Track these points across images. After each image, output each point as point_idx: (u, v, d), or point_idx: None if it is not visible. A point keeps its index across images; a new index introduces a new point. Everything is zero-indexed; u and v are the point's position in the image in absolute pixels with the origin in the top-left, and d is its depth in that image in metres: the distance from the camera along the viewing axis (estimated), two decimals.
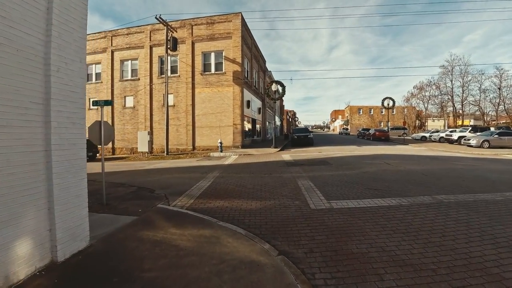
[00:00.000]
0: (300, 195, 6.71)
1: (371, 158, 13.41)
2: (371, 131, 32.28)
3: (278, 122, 23.81)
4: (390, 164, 11.45)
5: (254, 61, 25.72)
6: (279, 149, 19.49)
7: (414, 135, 32.61)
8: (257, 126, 28.88)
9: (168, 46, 18.98)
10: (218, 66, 21.08)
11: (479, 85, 54.17)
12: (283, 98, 54.87)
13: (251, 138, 25.17)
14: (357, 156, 14.43)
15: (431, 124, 67.07)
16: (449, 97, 55.95)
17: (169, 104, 21.65)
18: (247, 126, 24.06)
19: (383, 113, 77.17)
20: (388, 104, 32.86)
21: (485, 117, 58.15)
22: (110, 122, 24.22)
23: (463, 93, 54.58)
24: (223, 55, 20.84)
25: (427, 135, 30.77)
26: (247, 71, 23.27)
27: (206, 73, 21.23)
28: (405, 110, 73.24)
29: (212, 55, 21.21)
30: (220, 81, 20.77)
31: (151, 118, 22.59)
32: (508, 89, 51.76)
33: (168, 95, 21.34)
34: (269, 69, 33.58)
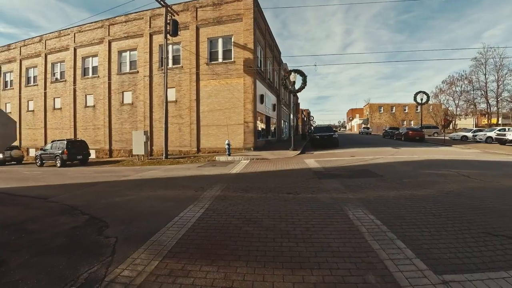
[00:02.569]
0: (367, 249, 3.43)
1: (430, 166, 9.86)
2: (402, 130, 28.26)
3: (293, 121, 20.48)
4: (468, 176, 7.90)
5: (268, 50, 22.47)
6: (299, 151, 16.15)
7: (452, 134, 28.38)
8: (272, 125, 25.59)
9: (168, 30, 16.02)
10: (227, 54, 17.95)
11: None
12: (297, 94, 51.01)
13: (265, 139, 21.93)
14: (407, 163, 10.90)
15: (458, 123, 61.71)
16: (482, 92, 50.51)
17: (171, 99, 18.74)
18: (260, 125, 20.84)
19: (406, 111, 72.10)
20: (422, 99, 28.81)
21: None
22: (107, 120, 21.65)
23: (498, 88, 49.02)
24: (232, 40, 17.69)
25: (469, 134, 26.48)
26: (260, 60, 20.04)
27: (213, 62, 18.15)
28: (430, 107, 68.13)
29: (220, 41, 18.10)
30: (229, 71, 17.63)
31: (151, 115, 19.75)
32: None
33: (170, 89, 18.43)
34: (284, 61, 30.22)
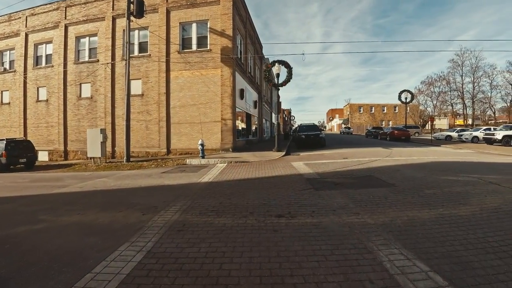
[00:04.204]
0: None
1: (443, 171, 8.29)
2: (387, 130, 27.35)
3: (275, 120, 18.65)
4: (498, 183, 6.35)
5: (249, 41, 20.46)
6: (284, 152, 14.30)
7: (436, 134, 27.86)
8: (253, 124, 23.61)
9: (131, 11, 13.57)
10: (202, 41, 15.73)
11: (490, 81, 49.91)
12: (279, 93, 49.46)
13: (246, 139, 19.91)
14: (412, 166, 9.32)
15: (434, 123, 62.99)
16: (459, 93, 51.56)
17: (136, 92, 16.28)
18: (240, 123, 18.80)
19: (385, 111, 73.00)
20: (406, 98, 28.08)
21: (484, 116, 54.09)
22: (62, 117, 18.70)
23: (473, 89, 50.25)
24: (208, 26, 15.50)
25: (454, 134, 26.03)
26: (240, 51, 17.99)
27: (185, 50, 15.85)
28: (408, 108, 69.10)
29: (194, 26, 15.84)
30: (204, 61, 15.42)
31: (112, 111, 17.07)
32: None
33: (135, 80, 16.00)
34: (266, 56, 28.34)
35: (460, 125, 51.17)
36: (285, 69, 15.06)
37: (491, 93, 49.34)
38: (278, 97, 41.67)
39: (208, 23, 15.47)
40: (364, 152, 14.46)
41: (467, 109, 51.82)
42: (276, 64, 14.65)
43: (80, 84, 18.21)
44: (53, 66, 19.38)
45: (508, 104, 49.61)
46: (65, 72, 18.61)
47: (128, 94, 13.38)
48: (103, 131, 13.57)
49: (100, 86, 17.46)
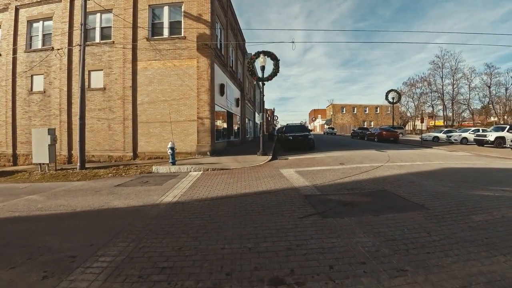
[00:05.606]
0: None
1: (465, 182, 6.82)
2: (375, 131, 26.32)
3: (258, 120, 16.74)
4: None
5: (230, 33, 18.50)
6: (270, 156, 12.52)
7: (424, 135, 27.17)
8: (235, 123, 21.68)
9: None
10: (175, 26, 13.59)
11: (468, 83, 50.94)
12: (263, 90, 48.33)
13: (226, 140, 17.95)
14: (425, 175, 7.81)
15: (410, 124, 63.74)
16: (439, 94, 52.29)
17: (97, 86, 13.96)
18: (221, 122, 16.84)
19: (367, 112, 73.35)
20: (393, 98, 27.20)
21: (459, 117, 55.44)
22: (10, 114, 15.88)
23: (453, 91, 51.12)
24: (182, 10, 13.41)
25: (441, 135, 25.41)
26: (220, 41, 16.02)
27: (156, 37, 13.66)
28: (389, 109, 69.78)
29: (165, 10, 13.68)
30: (178, 49, 13.30)
31: (69, 108, 14.54)
32: (497, 87, 49.16)
33: (95, 71, 13.72)
34: (249, 51, 26.42)
35: (439, 126, 51.95)
36: (271, 62, 13.30)
37: (469, 94, 50.38)
38: (263, 95, 39.93)
39: (183, 7, 13.37)
40: (359, 156, 12.97)
41: (447, 110, 52.68)
42: (261, 55, 12.85)
43: (32, 76, 15.49)
44: (0, 55, 16.50)
45: (485, 105, 50.84)
46: (14, 61, 15.82)
47: (83, 86, 11.04)
48: (51, 131, 11.15)
49: (55, 79, 14.87)
